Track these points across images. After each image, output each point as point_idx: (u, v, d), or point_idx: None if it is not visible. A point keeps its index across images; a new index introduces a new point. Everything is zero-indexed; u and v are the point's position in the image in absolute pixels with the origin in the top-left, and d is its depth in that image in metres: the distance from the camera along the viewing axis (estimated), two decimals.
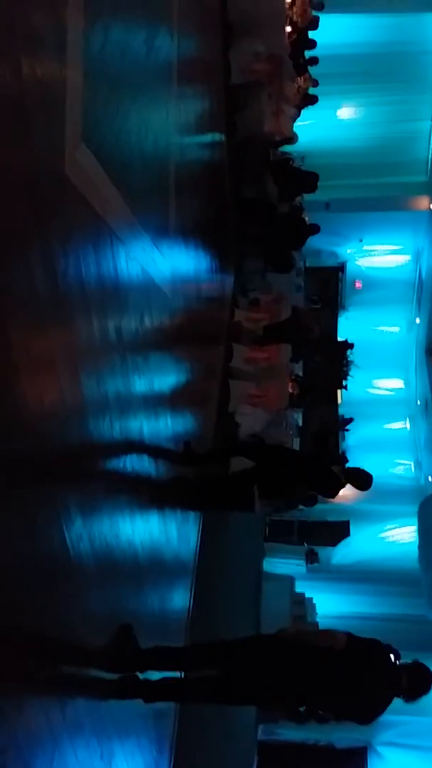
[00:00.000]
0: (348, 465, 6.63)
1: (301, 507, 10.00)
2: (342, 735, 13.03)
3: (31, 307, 2.62)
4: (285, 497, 8.00)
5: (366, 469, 6.47)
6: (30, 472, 2.63)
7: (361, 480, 6.36)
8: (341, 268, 19.31)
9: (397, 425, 19.59)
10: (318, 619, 14.11)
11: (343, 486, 6.40)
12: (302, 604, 14.32)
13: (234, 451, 7.51)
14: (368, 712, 4.24)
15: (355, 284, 19.41)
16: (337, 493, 6.53)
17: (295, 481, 7.07)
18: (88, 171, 3.19)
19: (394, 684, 4.13)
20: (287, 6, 12.55)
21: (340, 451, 15.60)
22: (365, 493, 8.22)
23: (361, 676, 4.10)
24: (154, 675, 4.12)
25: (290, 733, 13.16)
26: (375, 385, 19.55)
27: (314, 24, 13.26)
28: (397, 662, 4.19)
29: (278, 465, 6.75)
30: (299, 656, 4.14)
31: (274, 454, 7.03)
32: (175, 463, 5.65)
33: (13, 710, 2.49)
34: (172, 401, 5.45)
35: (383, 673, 4.15)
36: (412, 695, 4.14)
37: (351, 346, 16.65)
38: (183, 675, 4.40)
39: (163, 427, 5.10)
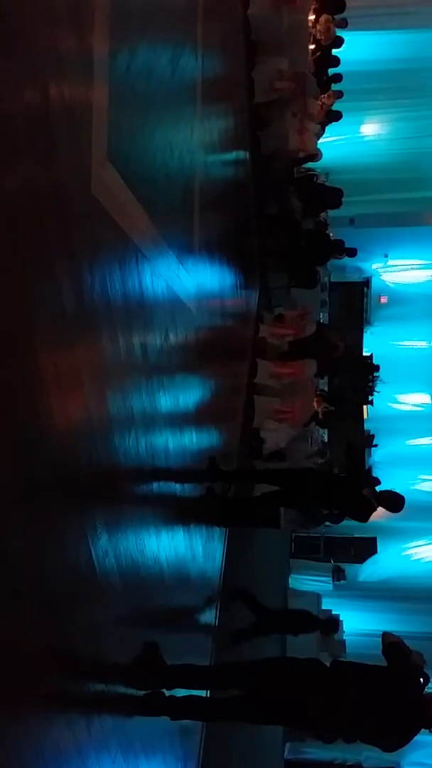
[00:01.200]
0: (378, 487, 6.60)
1: (327, 523, 9.93)
2: (370, 755, 12.83)
3: (57, 325, 2.65)
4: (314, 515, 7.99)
5: (397, 491, 6.43)
6: (56, 489, 2.65)
7: (393, 503, 6.33)
8: (366, 283, 19.24)
9: (425, 441, 19.40)
10: (345, 637, 13.96)
11: (374, 510, 6.36)
12: None
13: (257, 478, 7.47)
14: (393, 740, 4.06)
15: (380, 299, 19.32)
16: (369, 517, 6.50)
17: (326, 504, 7.04)
18: (113, 189, 3.22)
19: (422, 715, 3.95)
20: (310, 24, 12.62)
21: (368, 469, 15.46)
22: None
23: (385, 701, 3.94)
24: (180, 692, 4.10)
25: (318, 752, 13.00)
26: (401, 400, 19.39)
27: (338, 42, 13.31)
28: (426, 688, 4.04)
29: (307, 490, 6.72)
30: (322, 679, 4.07)
31: (303, 479, 7.00)
32: (201, 479, 5.65)
33: (40, 726, 2.50)
34: (197, 417, 5.46)
35: (410, 699, 3.98)
36: None
37: (377, 368, 16.53)
38: (209, 693, 4.36)
39: (188, 443, 5.11)
